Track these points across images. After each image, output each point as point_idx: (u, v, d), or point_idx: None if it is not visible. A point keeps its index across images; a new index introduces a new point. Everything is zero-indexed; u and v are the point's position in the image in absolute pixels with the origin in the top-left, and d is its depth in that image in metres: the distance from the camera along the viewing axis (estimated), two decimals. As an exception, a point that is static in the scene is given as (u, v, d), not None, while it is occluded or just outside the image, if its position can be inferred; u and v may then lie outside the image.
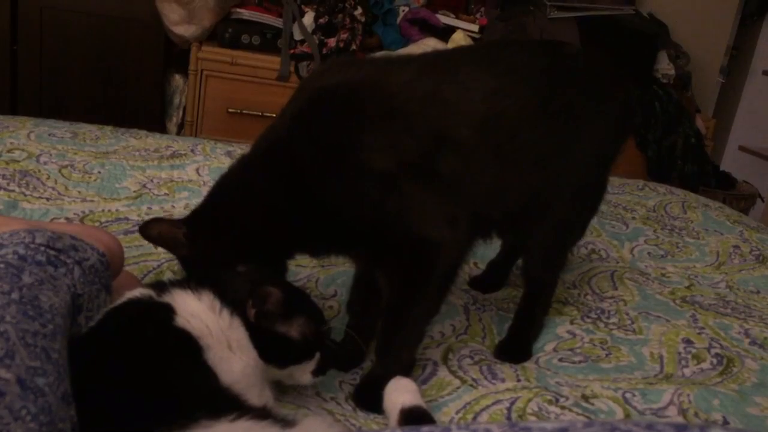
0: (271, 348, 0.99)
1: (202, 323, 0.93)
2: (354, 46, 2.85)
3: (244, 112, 2.81)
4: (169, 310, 0.93)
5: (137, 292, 0.97)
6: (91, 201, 1.56)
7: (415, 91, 1.11)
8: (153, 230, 1.12)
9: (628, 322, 1.46)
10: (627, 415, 1.16)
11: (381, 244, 1.11)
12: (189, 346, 0.90)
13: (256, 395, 0.94)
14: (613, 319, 1.47)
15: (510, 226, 1.35)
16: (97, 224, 1.47)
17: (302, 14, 2.88)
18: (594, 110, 1.27)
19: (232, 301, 0.97)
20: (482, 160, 1.14)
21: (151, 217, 1.16)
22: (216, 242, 1.11)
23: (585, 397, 1.19)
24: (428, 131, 1.09)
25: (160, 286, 0.98)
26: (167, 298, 0.95)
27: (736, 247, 1.93)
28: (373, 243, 1.12)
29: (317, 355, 1.04)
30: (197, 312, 0.94)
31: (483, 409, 1.14)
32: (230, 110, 2.83)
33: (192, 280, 0.99)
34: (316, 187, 1.08)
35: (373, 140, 1.07)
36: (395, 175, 1.07)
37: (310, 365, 1.03)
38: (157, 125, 2.95)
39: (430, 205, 1.10)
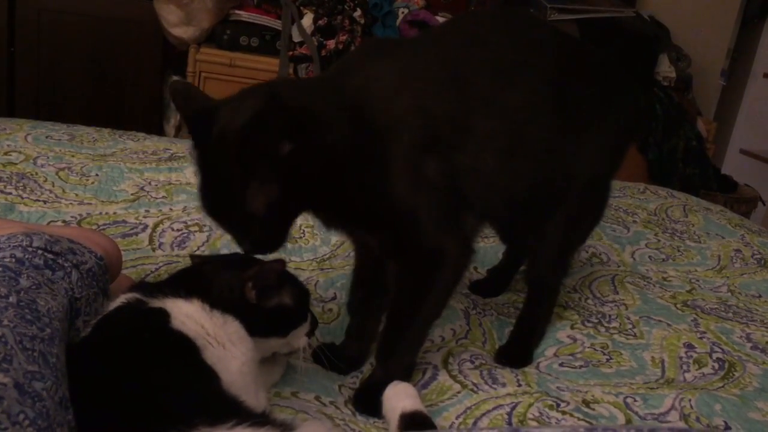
0: (272, 322, 1.03)
1: (197, 323, 0.93)
2: (353, 49, 2.85)
3: (243, 114, 2.80)
4: (163, 314, 0.92)
5: (123, 299, 0.96)
6: (89, 204, 1.55)
7: (446, 80, 1.12)
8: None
9: (629, 326, 1.46)
10: (628, 421, 1.15)
11: (401, 234, 1.11)
12: (187, 348, 0.90)
13: (253, 396, 0.94)
14: (614, 324, 1.46)
15: (518, 223, 1.35)
16: (94, 227, 1.47)
17: (301, 16, 2.87)
18: (605, 108, 1.28)
19: (220, 296, 0.98)
20: (502, 147, 1.15)
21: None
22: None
23: (586, 402, 1.18)
24: (459, 119, 1.11)
25: (147, 289, 0.98)
26: (159, 304, 0.94)
27: (738, 251, 1.92)
28: (394, 230, 1.11)
29: (309, 316, 1.09)
30: (190, 313, 0.94)
31: (483, 414, 1.13)
32: (229, 112, 2.81)
33: (181, 288, 0.98)
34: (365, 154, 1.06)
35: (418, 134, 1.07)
36: (431, 165, 1.07)
37: (306, 327, 1.08)
38: (155, 127, 2.94)
39: (453, 209, 1.12)
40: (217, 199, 1.01)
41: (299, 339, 1.08)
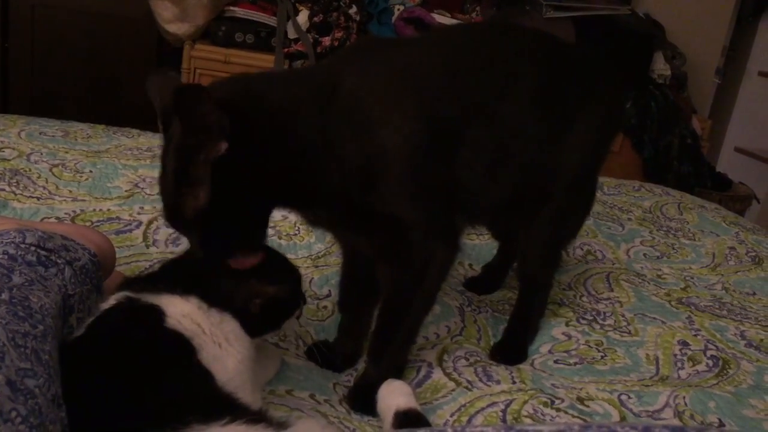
0: (267, 319, 1.03)
1: (193, 322, 0.92)
2: (348, 45, 2.84)
3: (238, 110, 2.80)
4: (158, 312, 0.92)
5: (114, 300, 0.95)
6: (83, 200, 1.55)
7: (445, 87, 1.12)
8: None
9: (624, 323, 1.46)
10: (622, 418, 1.16)
11: (390, 237, 1.10)
12: (182, 348, 0.89)
13: (249, 393, 0.93)
14: (609, 321, 1.47)
15: (508, 221, 1.35)
16: (88, 224, 1.46)
17: (297, 13, 2.86)
18: (588, 101, 1.28)
19: (220, 298, 0.97)
20: (489, 148, 1.15)
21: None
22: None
23: (580, 400, 1.18)
24: (457, 126, 1.10)
25: (139, 285, 0.97)
26: (153, 300, 0.93)
27: (732, 248, 1.93)
28: (383, 233, 1.10)
29: (301, 302, 1.10)
30: (187, 312, 0.93)
31: (478, 412, 1.13)
32: (224, 109, 2.81)
33: (177, 283, 0.97)
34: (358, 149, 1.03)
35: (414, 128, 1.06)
36: (426, 171, 1.07)
37: (298, 311, 1.09)
38: (150, 124, 2.93)
39: (443, 214, 1.12)
40: (164, 196, 0.98)
41: (291, 323, 1.09)
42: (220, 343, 0.93)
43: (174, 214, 0.97)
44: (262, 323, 1.02)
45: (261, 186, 0.97)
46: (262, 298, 1.00)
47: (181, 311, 0.93)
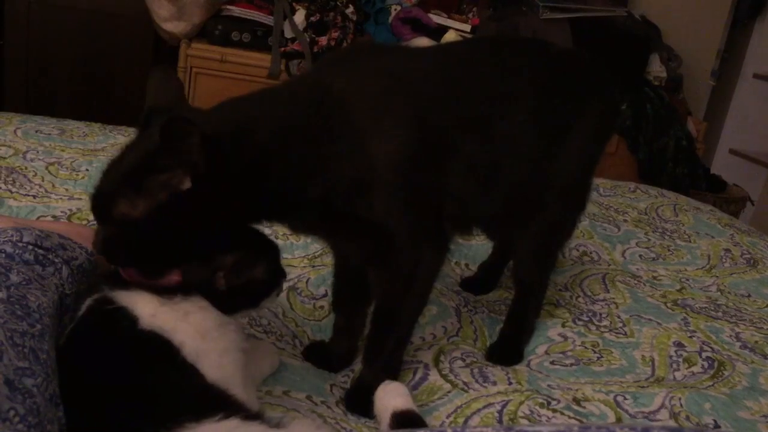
0: (244, 299, 0.99)
1: (165, 320, 0.89)
2: (345, 45, 2.84)
3: (234, 110, 2.79)
4: (130, 315, 0.89)
5: (90, 301, 0.92)
6: (79, 199, 1.54)
7: (438, 93, 1.11)
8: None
9: (620, 325, 1.46)
10: (618, 419, 1.16)
11: (377, 244, 1.09)
12: (163, 348, 0.87)
13: (240, 388, 0.92)
14: (605, 322, 1.47)
15: (501, 226, 1.35)
16: (84, 223, 1.46)
17: (293, 12, 2.86)
18: (581, 109, 1.28)
19: (184, 284, 0.94)
20: (483, 162, 1.15)
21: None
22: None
23: (576, 401, 1.19)
24: (445, 131, 1.10)
25: (107, 286, 0.93)
26: (124, 300, 0.90)
27: (727, 250, 1.93)
28: (369, 240, 1.10)
29: (281, 280, 1.06)
30: (154, 310, 0.90)
31: (474, 413, 1.13)
32: (220, 108, 2.80)
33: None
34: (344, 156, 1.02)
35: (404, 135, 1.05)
36: (417, 180, 1.06)
37: (278, 289, 1.05)
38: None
39: (432, 222, 1.11)
40: (103, 181, 0.95)
41: (271, 301, 1.05)
42: (195, 337, 0.90)
43: (100, 204, 0.94)
44: (235, 299, 0.97)
45: (228, 215, 0.96)
46: (224, 269, 0.95)
47: (150, 312, 0.90)
